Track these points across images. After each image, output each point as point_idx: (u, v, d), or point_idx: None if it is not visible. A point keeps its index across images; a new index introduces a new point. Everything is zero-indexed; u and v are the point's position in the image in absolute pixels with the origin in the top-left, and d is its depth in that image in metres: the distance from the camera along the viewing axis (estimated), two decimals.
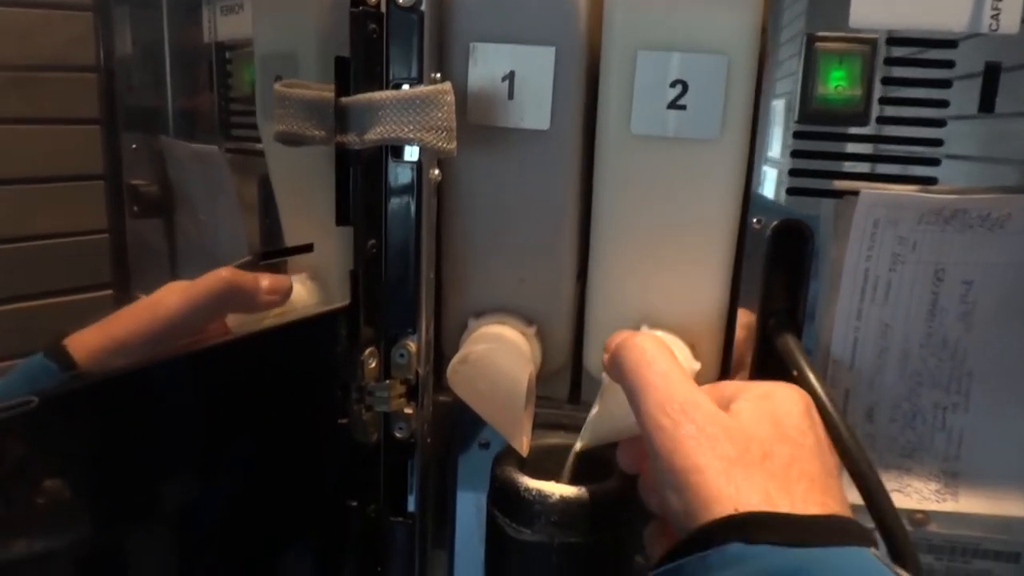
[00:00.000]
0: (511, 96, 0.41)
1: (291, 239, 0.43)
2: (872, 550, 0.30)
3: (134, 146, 0.41)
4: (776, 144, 0.43)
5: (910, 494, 0.46)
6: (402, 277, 0.41)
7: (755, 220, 0.44)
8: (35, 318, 0.38)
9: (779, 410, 0.35)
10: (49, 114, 0.39)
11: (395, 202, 0.40)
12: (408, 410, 0.42)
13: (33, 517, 0.31)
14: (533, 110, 0.41)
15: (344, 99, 0.37)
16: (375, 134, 0.36)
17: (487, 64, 0.41)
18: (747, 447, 0.33)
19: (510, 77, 0.41)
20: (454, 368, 0.41)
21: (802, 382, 0.42)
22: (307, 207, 0.44)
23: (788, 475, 0.32)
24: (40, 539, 0.31)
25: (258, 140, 0.45)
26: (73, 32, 0.43)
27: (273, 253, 0.37)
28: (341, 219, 0.39)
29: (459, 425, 0.49)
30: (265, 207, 0.45)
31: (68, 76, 0.41)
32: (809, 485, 0.32)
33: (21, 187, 0.39)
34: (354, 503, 0.43)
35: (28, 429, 0.28)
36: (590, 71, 0.42)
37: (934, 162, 0.43)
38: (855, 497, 0.40)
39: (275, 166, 0.44)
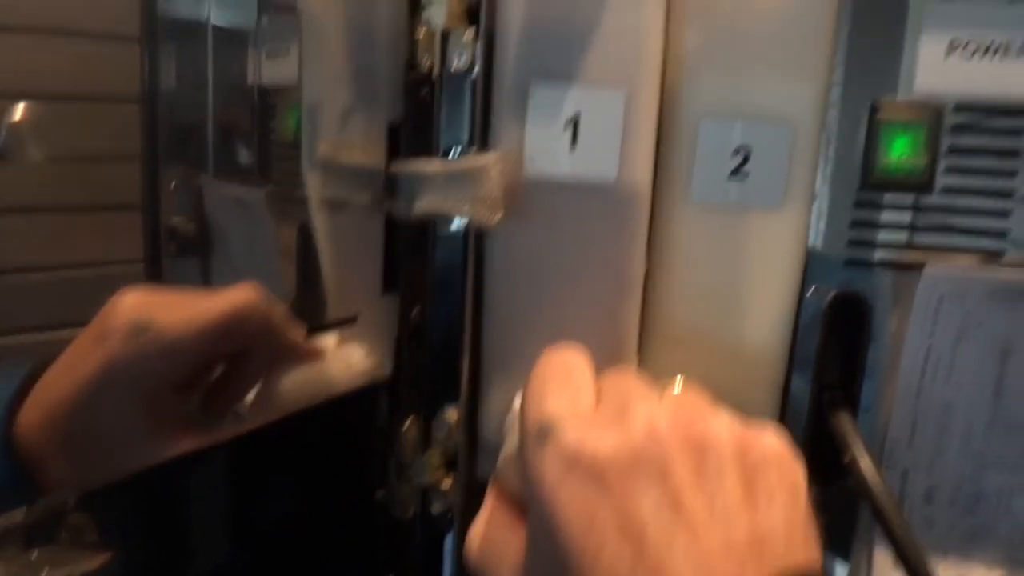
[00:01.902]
0: (574, 146, 0.38)
1: (334, 297, 0.41)
2: None
3: (173, 184, 0.40)
4: (836, 213, 0.42)
5: None
6: (446, 345, 0.39)
7: (811, 291, 0.42)
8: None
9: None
10: (91, 146, 0.39)
11: (441, 269, 0.38)
12: (446, 483, 0.40)
13: None
14: (598, 159, 0.39)
15: (394, 167, 0.36)
16: (423, 205, 0.35)
17: (548, 109, 0.38)
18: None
19: (573, 123, 0.38)
20: (505, 461, 0.36)
21: (855, 465, 0.40)
22: (351, 265, 0.42)
23: None
24: None
25: (298, 186, 0.43)
26: (119, 65, 0.42)
27: (317, 327, 0.36)
28: (388, 286, 0.37)
29: None
30: (303, 255, 0.43)
31: (112, 109, 0.40)
32: None
33: (60, 216, 0.38)
34: None
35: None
36: (661, 121, 0.40)
37: (1001, 235, 0.41)
38: None
39: (319, 222, 0.42)
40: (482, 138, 0.37)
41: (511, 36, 0.38)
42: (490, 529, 0.33)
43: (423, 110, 0.36)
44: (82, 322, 0.36)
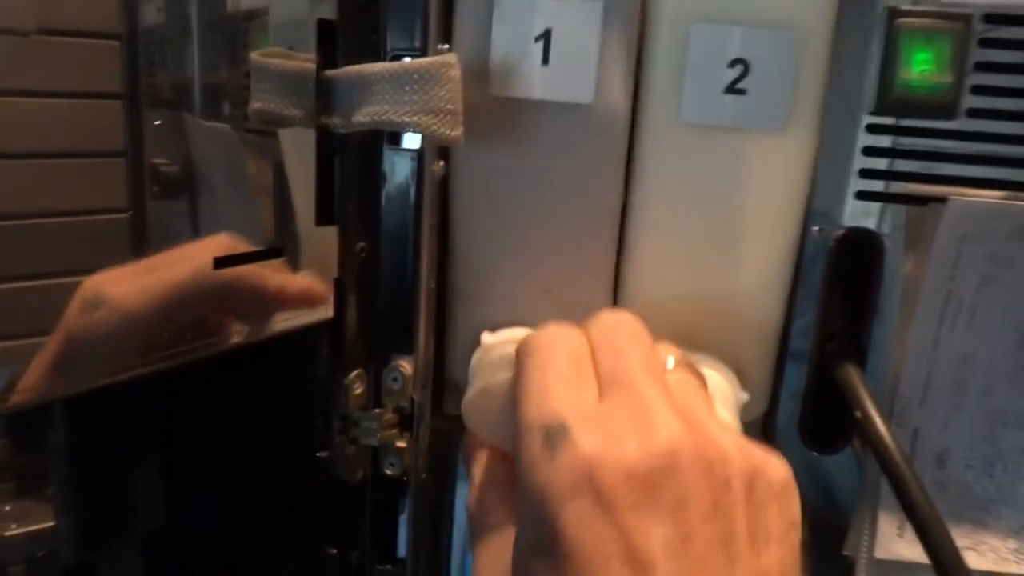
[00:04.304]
0: (545, 61, 0.34)
1: (304, 228, 0.36)
2: None
3: (157, 122, 0.35)
4: (846, 138, 0.36)
5: (984, 552, 0.40)
6: (398, 287, 0.34)
7: (816, 228, 0.37)
8: (51, 297, 0.33)
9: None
10: (68, 86, 0.34)
11: (391, 198, 0.33)
12: (401, 443, 0.36)
13: None
14: (573, 79, 0.34)
15: (328, 72, 0.30)
16: (364, 115, 0.29)
17: (516, 20, 0.33)
18: None
19: (545, 37, 0.33)
20: (472, 401, 0.34)
21: (866, 420, 0.36)
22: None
23: None
24: None
25: None
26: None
27: (229, 260, 0.30)
28: (323, 217, 0.32)
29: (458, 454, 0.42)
30: (280, 193, 0.38)
31: (89, 44, 0.35)
32: None
33: (38, 162, 0.34)
34: (334, 550, 0.37)
35: None
36: (643, 37, 0.35)
37: None
38: (920, 555, 0.34)
39: (287, 150, 0.37)
40: (442, 40, 0.31)
41: None
42: (485, 496, 0.32)
43: (365, 6, 0.30)
44: (62, 272, 0.33)
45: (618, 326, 0.29)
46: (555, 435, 0.25)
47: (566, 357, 0.28)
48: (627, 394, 0.26)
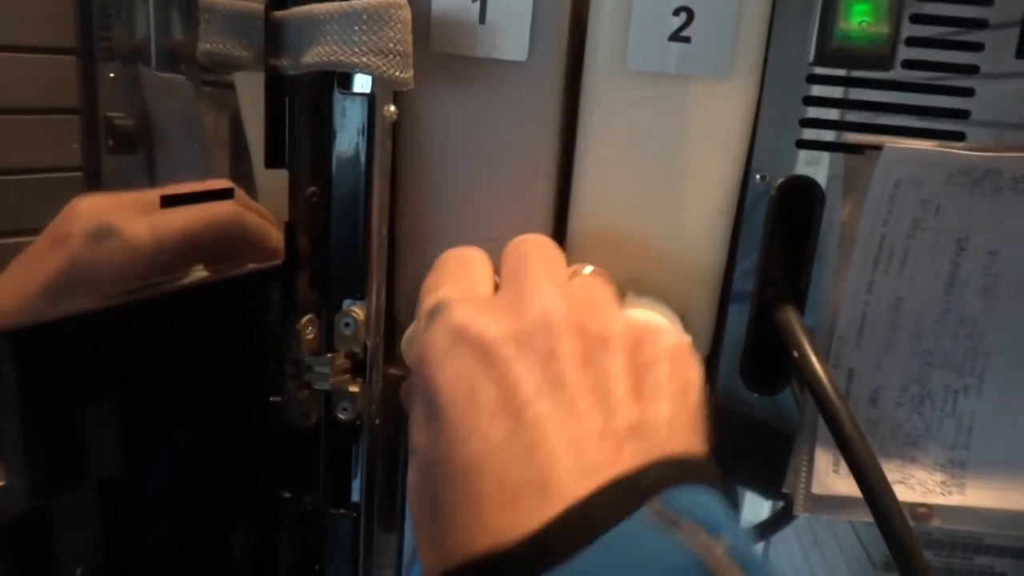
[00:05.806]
0: (482, 20, 0.35)
1: (261, 181, 0.36)
2: (647, 509, 0.22)
3: (112, 75, 0.35)
4: (787, 88, 0.37)
5: (913, 486, 0.42)
6: (349, 232, 0.34)
7: (758, 176, 0.38)
8: (5, 258, 0.32)
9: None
10: (19, 41, 0.33)
11: (342, 142, 0.33)
12: (353, 388, 0.36)
13: None
14: (508, 37, 0.35)
15: (277, 13, 0.30)
16: (313, 56, 0.29)
17: None
18: None
19: None
20: (410, 339, 0.35)
21: (802, 363, 0.37)
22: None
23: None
24: None
25: None
26: None
27: (177, 198, 0.30)
28: (272, 160, 0.32)
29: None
30: (237, 145, 0.38)
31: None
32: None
33: None
34: (288, 494, 0.37)
35: None
36: None
37: (963, 114, 0.38)
38: (854, 489, 0.36)
39: (244, 100, 0.37)
40: None
41: None
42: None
43: None
44: (20, 230, 0.32)
45: (528, 240, 0.31)
46: (436, 311, 0.27)
47: (457, 262, 0.31)
48: (517, 284, 0.28)
